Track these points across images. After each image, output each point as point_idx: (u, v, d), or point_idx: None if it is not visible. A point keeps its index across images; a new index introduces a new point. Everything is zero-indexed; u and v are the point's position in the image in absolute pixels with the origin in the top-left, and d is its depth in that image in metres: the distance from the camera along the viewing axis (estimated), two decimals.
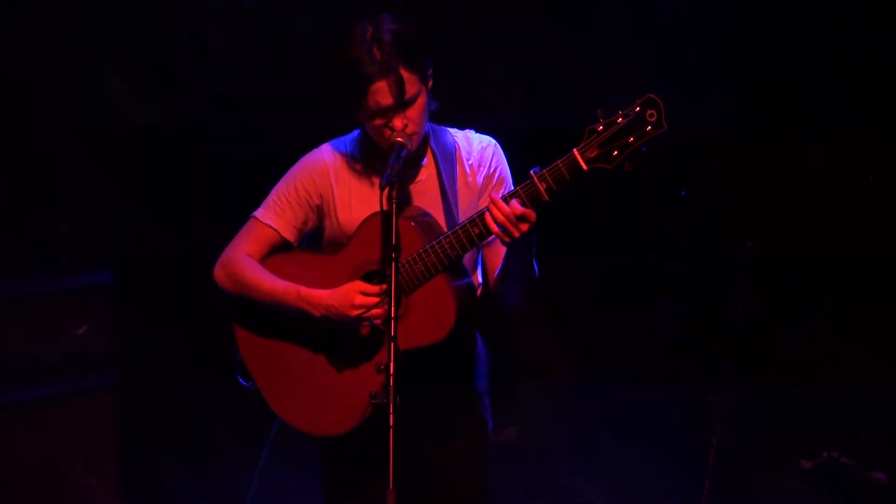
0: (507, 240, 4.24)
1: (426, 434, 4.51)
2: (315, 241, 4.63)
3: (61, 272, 6.85)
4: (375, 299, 4.33)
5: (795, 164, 7.12)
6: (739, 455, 7.08)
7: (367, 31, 4.32)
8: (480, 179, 4.55)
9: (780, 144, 7.16)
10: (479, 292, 4.58)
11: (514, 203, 4.17)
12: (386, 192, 4.17)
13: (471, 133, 4.62)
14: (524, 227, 4.19)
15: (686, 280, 7.46)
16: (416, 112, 4.38)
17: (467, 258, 4.47)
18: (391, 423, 4.01)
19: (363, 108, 4.36)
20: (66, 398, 6.65)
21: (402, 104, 4.34)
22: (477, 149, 4.57)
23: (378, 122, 4.37)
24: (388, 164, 4.24)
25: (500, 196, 4.24)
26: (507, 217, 4.17)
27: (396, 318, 4.11)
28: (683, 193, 7.21)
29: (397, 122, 4.36)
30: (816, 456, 7.01)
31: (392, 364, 4.05)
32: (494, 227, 4.21)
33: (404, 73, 4.31)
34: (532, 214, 4.17)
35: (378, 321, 4.35)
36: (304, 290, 4.41)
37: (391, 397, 4.02)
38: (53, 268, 6.94)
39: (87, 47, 7.25)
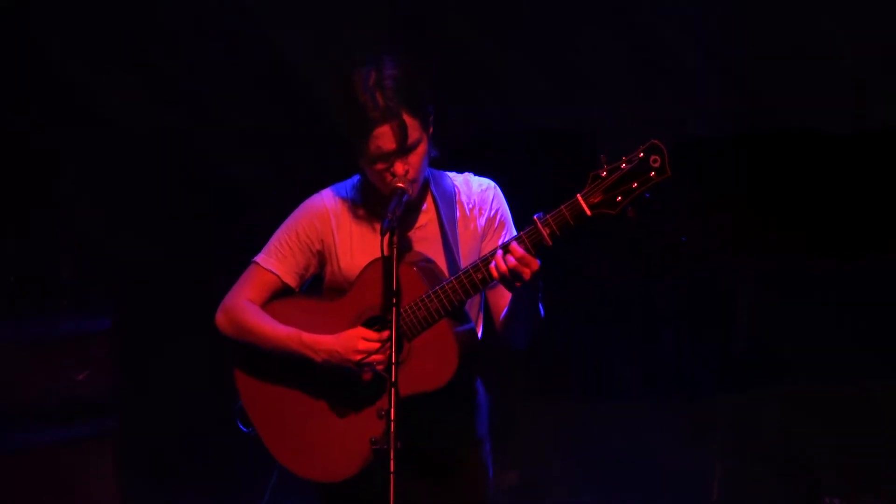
0: (511, 286, 4.23)
1: (427, 481, 4.50)
2: (316, 287, 4.62)
3: (62, 317, 6.83)
4: (378, 345, 4.33)
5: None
6: (741, 501, 7.08)
7: (370, 76, 4.33)
8: (482, 223, 4.55)
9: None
10: (479, 335, 4.57)
11: (519, 250, 4.16)
12: (387, 237, 4.17)
13: (470, 176, 4.61)
14: (527, 273, 4.18)
15: (688, 305, 7.42)
16: (417, 158, 4.38)
17: (470, 300, 4.45)
18: (392, 469, 4.00)
19: (365, 152, 4.36)
20: (66, 445, 6.62)
21: (403, 150, 4.34)
22: (477, 192, 4.57)
23: (379, 166, 4.37)
24: (388, 209, 4.25)
25: (503, 241, 4.25)
26: (509, 265, 4.17)
27: (398, 363, 4.11)
28: (683, 239, 7.11)
29: (398, 168, 4.36)
30: (817, 501, 6.97)
31: (393, 409, 4.04)
32: (497, 275, 4.20)
33: (407, 119, 4.32)
34: (536, 263, 4.17)
35: (380, 367, 4.35)
36: (306, 336, 4.40)
37: (392, 443, 4.01)
38: (54, 312, 6.90)
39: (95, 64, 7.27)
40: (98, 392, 6.74)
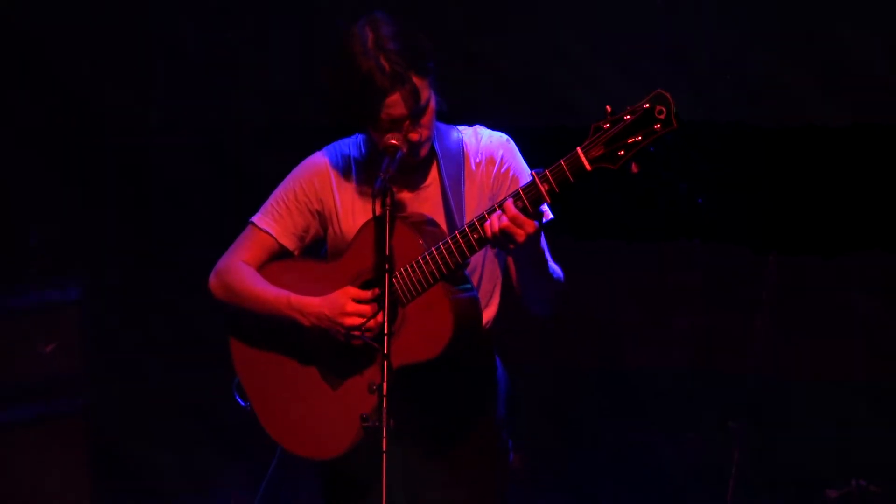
0: (506, 248, 4.21)
1: (439, 465, 4.49)
2: (318, 250, 4.61)
3: (29, 286, 6.80)
4: (367, 307, 4.31)
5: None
6: (761, 484, 7.06)
7: (368, 39, 4.29)
8: (492, 179, 4.51)
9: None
10: (496, 305, 4.55)
11: (512, 209, 4.14)
12: (379, 199, 4.17)
13: (480, 129, 4.58)
14: (521, 235, 4.15)
15: (703, 295, 7.41)
16: (428, 117, 4.37)
17: (489, 271, 4.47)
18: (384, 448, 3.99)
19: (376, 122, 4.33)
20: (33, 422, 6.62)
21: (416, 113, 4.32)
22: (485, 145, 4.53)
23: (391, 135, 4.33)
24: (381, 168, 4.23)
25: (502, 198, 4.21)
26: (502, 225, 4.14)
27: (391, 334, 4.10)
28: (700, 201, 7.11)
29: (413, 137, 4.34)
30: (843, 485, 6.93)
31: (385, 384, 4.03)
32: (490, 235, 4.18)
33: (416, 81, 4.29)
34: (531, 224, 4.15)
35: (369, 334, 4.32)
36: (295, 298, 4.41)
37: (384, 420, 4.00)
38: (20, 282, 6.87)
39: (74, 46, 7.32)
40: (67, 366, 6.71)
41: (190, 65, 7.49)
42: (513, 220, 4.11)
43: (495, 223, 4.14)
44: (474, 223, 4.22)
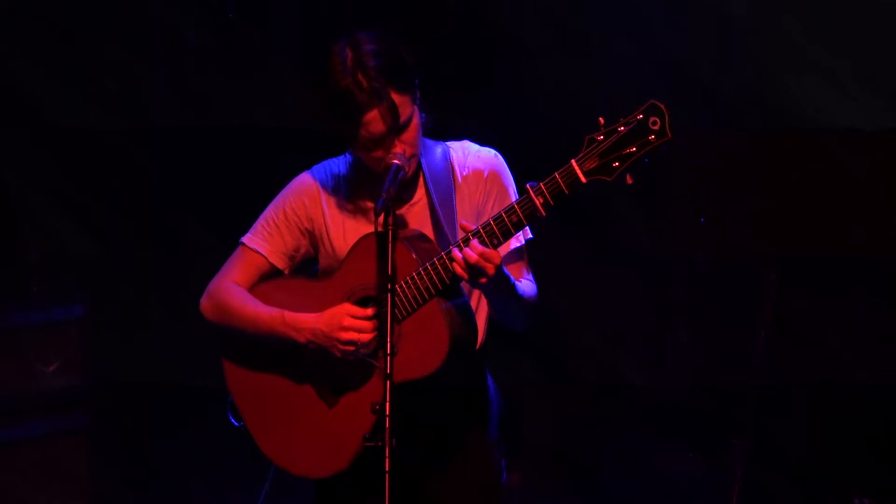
0: (476, 284, 4.23)
1: (433, 486, 4.51)
2: (309, 269, 4.64)
3: (31, 304, 6.82)
4: (365, 323, 4.33)
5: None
6: (763, 501, 7.07)
7: (347, 57, 4.31)
8: (479, 194, 4.53)
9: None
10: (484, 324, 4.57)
11: (478, 247, 4.17)
12: (381, 218, 4.16)
13: (468, 144, 4.60)
14: (491, 268, 4.17)
15: (705, 310, 7.43)
16: (411, 134, 4.38)
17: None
18: (387, 468, 3.99)
19: (357, 140, 4.35)
20: (35, 441, 6.63)
21: (397, 130, 4.33)
22: (472, 161, 4.55)
23: (376, 153, 4.37)
24: (383, 188, 4.22)
25: (494, 214, 4.23)
26: (472, 262, 4.16)
27: (393, 354, 4.07)
28: (703, 221, 7.15)
29: (397, 150, 4.35)
30: (845, 502, 6.96)
31: (388, 404, 4.02)
32: (461, 272, 4.20)
33: (395, 97, 4.30)
34: (498, 255, 4.17)
35: (364, 350, 4.34)
36: (289, 315, 4.42)
37: (387, 440, 4.00)
38: (22, 299, 6.92)
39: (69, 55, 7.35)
40: (69, 385, 6.73)
41: (191, 67, 7.52)
42: (481, 255, 4.14)
43: (459, 258, 4.15)
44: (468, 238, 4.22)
